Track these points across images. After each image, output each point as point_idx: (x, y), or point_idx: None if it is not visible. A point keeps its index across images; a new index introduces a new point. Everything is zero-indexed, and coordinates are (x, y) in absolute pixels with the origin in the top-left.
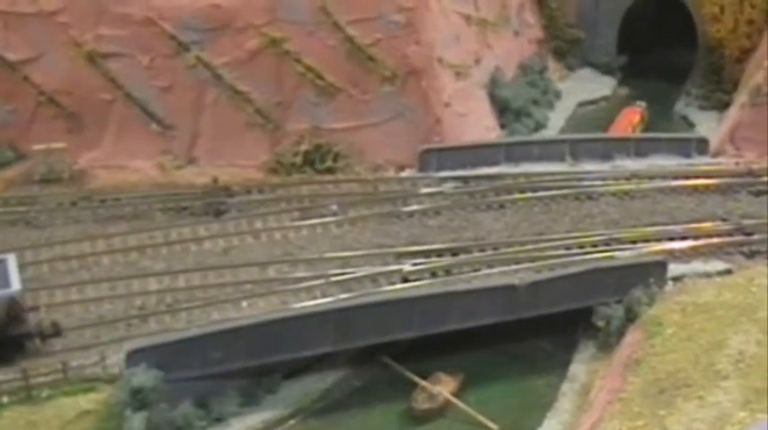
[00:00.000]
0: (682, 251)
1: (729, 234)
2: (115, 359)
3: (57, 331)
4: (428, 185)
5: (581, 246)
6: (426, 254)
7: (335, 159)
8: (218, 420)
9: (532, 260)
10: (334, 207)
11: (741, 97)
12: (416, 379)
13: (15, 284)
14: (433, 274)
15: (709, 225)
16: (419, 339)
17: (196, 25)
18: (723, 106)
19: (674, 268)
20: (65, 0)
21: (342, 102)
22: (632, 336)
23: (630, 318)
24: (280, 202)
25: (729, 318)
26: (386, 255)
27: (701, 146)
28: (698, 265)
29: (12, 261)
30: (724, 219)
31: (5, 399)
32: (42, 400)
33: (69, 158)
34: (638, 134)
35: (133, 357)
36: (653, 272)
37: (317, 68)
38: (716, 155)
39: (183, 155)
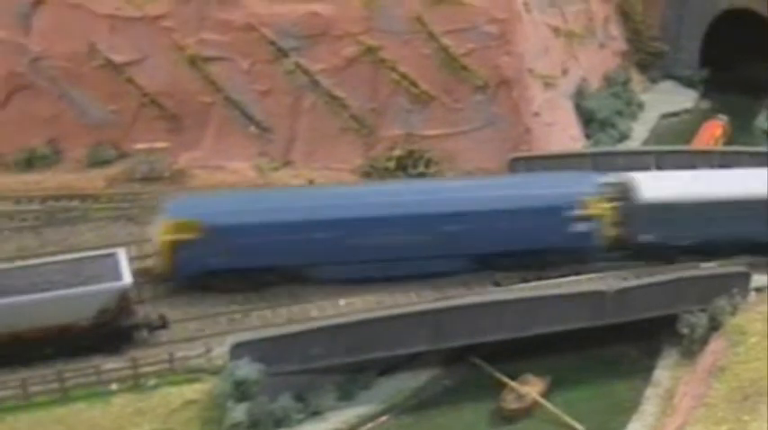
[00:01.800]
0: None
1: None
2: (219, 351)
3: (164, 323)
4: None
5: None
6: None
7: (427, 165)
8: (316, 414)
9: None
10: None
11: None
12: (506, 379)
13: (127, 278)
14: (524, 279)
15: None
16: (509, 341)
17: (295, 32)
18: None
19: (757, 279)
20: (169, 5)
21: (434, 109)
22: (716, 344)
23: (714, 326)
24: None
25: None
26: None
27: None
28: None
29: (122, 255)
30: None
31: (115, 387)
32: (149, 389)
33: (169, 158)
34: (722, 147)
35: (236, 350)
36: (736, 282)
37: (411, 76)
38: None
39: (280, 157)
